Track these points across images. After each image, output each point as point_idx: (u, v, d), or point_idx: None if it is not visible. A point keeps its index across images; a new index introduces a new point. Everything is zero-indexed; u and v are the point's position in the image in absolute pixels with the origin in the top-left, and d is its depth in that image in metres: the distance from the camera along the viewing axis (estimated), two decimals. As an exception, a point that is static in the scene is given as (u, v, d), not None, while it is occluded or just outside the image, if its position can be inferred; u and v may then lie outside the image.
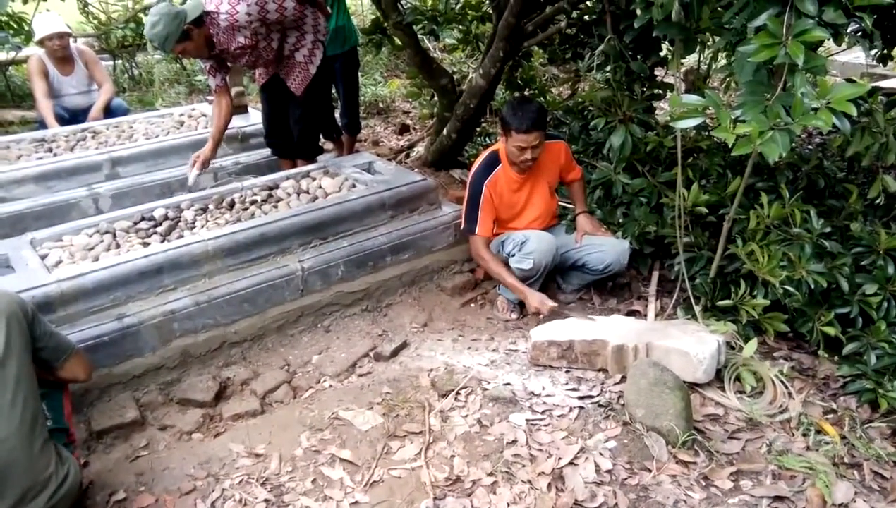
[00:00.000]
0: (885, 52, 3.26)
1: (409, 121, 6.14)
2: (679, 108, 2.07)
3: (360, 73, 5.09)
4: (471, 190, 3.09)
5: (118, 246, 2.90)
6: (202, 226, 3.06)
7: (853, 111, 1.77)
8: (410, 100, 6.33)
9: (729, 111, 1.95)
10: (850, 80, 2.26)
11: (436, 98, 5.11)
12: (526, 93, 5.14)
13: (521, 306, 3.18)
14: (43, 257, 2.78)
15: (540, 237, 3.01)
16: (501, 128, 2.98)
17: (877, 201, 2.76)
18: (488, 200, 3.05)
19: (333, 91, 4.55)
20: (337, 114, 4.70)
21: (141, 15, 6.51)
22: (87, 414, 2.48)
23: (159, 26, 3.13)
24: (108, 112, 4.90)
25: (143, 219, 3.10)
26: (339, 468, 2.23)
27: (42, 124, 4.73)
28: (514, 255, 3.04)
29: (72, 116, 4.84)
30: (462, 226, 3.20)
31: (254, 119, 4.41)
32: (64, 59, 4.80)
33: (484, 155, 3.13)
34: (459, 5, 4.82)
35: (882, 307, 2.56)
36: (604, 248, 3.09)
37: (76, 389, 2.40)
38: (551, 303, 2.96)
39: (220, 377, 2.72)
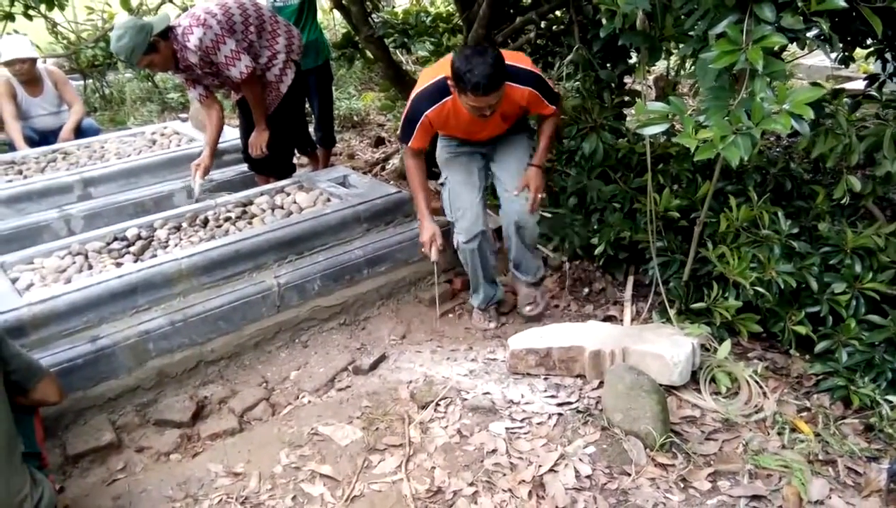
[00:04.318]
0: (846, 54, 3.34)
1: (383, 134, 6.15)
2: (644, 116, 2.10)
3: (333, 87, 5.10)
4: (410, 112, 2.83)
5: (91, 267, 2.88)
6: (176, 245, 3.04)
7: (810, 114, 1.80)
8: (384, 112, 6.34)
9: (693, 117, 1.99)
10: (815, 84, 2.32)
11: (409, 110, 5.12)
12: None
13: (497, 313, 3.20)
14: (14, 280, 2.75)
15: (475, 216, 2.96)
16: (452, 75, 2.57)
17: (843, 201, 2.81)
18: (426, 127, 2.82)
19: (307, 105, 4.55)
20: (311, 129, 4.70)
21: (111, 34, 6.46)
22: (62, 437, 2.45)
23: (125, 39, 3.13)
24: (79, 132, 4.85)
25: (115, 239, 3.07)
26: (319, 484, 2.22)
27: (11, 147, 4.66)
28: (454, 222, 3.05)
29: (42, 138, 4.79)
30: (398, 133, 3.03)
31: (227, 135, 4.39)
32: (31, 80, 4.74)
33: (433, 79, 2.76)
34: (430, 18, 4.84)
35: (851, 305, 2.59)
36: (505, 209, 3.03)
37: (50, 413, 2.37)
38: (438, 244, 2.93)
39: (198, 396, 2.70)
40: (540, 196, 2.99)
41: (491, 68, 2.46)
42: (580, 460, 2.25)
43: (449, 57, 2.82)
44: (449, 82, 2.64)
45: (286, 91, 3.67)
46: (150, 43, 3.18)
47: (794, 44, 2.05)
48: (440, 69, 2.76)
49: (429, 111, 2.77)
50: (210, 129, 3.70)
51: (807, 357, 2.70)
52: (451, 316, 3.31)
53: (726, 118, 1.91)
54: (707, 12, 2.03)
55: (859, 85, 4.24)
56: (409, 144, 2.88)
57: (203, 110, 3.73)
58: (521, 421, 2.46)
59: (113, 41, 3.19)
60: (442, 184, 3.11)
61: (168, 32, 3.26)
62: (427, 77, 2.82)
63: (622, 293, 3.27)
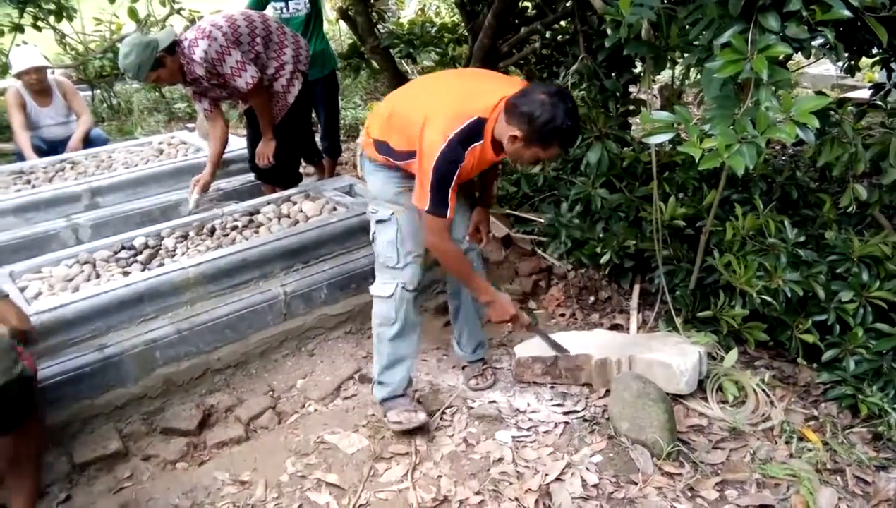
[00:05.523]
0: (851, 63, 3.34)
1: (389, 143, 6.17)
2: (650, 125, 2.10)
3: (339, 97, 5.12)
4: (443, 165, 2.14)
5: (98, 276, 2.89)
6: (183, 254, 3.05)
7: (815, 123, 1.81)
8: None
9: (698, 126, 1.99)
10: (819, 93, 2.32)
11: (415, 120, 5.13)
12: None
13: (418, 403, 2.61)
14: (22, 289, 2.76)
15: (425, 263, 2.54)
16: (527, 127, 2.07)
17: (849, 210, 2.81)
18: (458, 176, 2.20)
19: (314, 115, 4.57)
20: (317, 138, 4.72)
21: (118, 45, 6.51)
22: (70, 446, 2.45)
23: (132, 56, 3.15)
24: (87, 142, 4.88)
25: (123, 248, 3.09)
26: (325, 492, 2.22)
27: (20, 156, 4.70)
28: (397, 267, 2.49)
29: (50, 147, 4.81)
30: (426, 208, 2.21)
31: (234, 145, 4.41)
32: (42, 90, 4.78)
33: (464, 122, 2.15)
34: (435, 28, 4.87)
35: (858, 313, 2.59)
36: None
37: (57, 422, 2.39)
38: (513, 311, 2.49)
39: (204, 405, 2.70)
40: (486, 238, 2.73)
41: (577, 113, 2.11)
42: (587, 469, 2.25)
43: (446, 89, 2.37)
44: (513, 132, 2.11)
45: (293, 101, 3.69)
46: (156, 59, 3.20)
47: (799, 53, 2.06)
48: (457, 115, 2.18)
49: (467, 151, 2.18)
50: (213, 145, 3.71)
51: (814, 365, 2.69)
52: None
53: (731, 127, 1.91)
54: (712, 22, 2.04)
55: (864, 94, 4.24)
56: (448, 214, 2.23)
57: (208, 124, 3.75)
58: (528, 429, 2.46)
59: (120, 58, 3.22)
60: (380, 221, 2.46)
61: (174, 47, 3.27)
62: (444, 123, 2.17)
63: (628, 301, 3.27)
